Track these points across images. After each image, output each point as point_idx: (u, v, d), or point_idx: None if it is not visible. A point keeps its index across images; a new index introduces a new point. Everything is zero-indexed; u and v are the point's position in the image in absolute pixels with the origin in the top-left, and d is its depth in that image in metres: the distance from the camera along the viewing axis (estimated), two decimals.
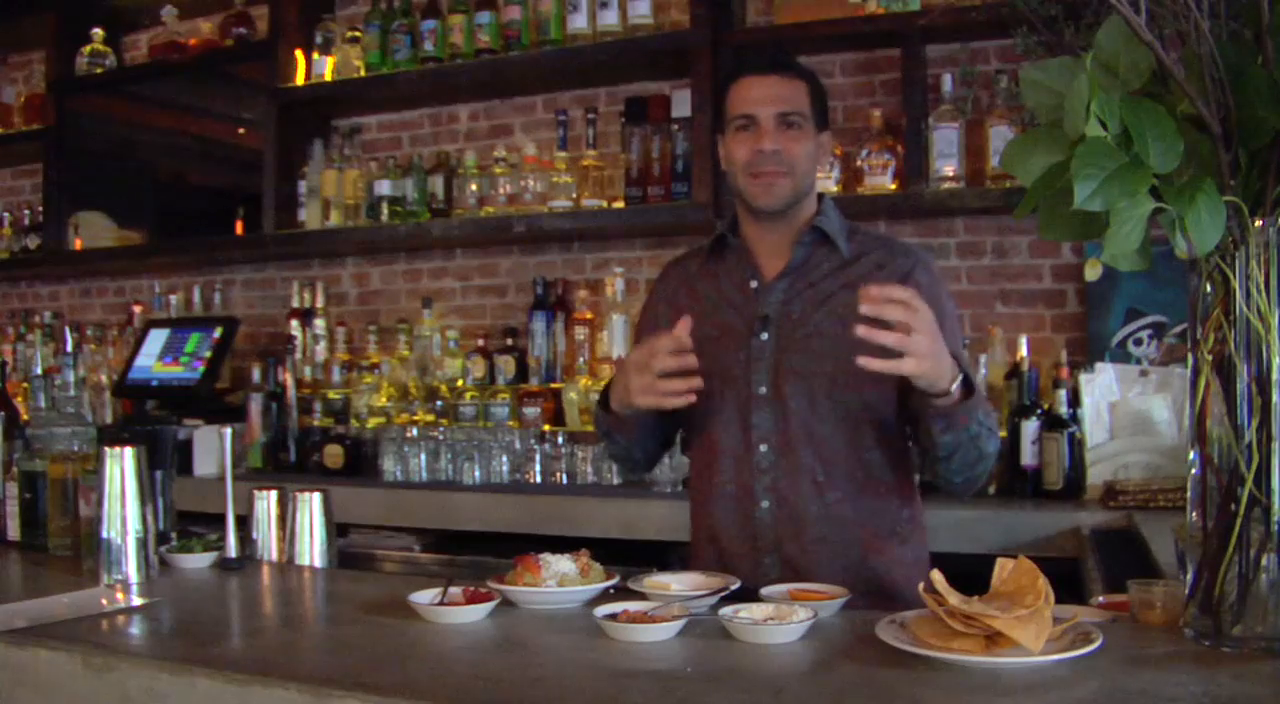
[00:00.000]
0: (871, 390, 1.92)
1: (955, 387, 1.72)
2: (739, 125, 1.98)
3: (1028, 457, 2.87)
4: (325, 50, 3.87)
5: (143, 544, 1.82)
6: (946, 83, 3.12)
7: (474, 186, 3.64)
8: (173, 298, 4.32)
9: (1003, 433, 2.82)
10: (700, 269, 2.11)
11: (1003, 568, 1.36)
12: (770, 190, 1.96)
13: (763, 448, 1.95)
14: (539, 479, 3.37)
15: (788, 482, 1.94)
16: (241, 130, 4.36)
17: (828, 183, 3.17)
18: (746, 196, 2.00)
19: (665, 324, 2.12)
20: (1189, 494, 1.33)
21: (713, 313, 2.04)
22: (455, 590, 1.57)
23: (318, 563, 2.03)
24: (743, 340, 1.98)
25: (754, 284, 2.02)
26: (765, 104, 1.95)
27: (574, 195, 3.48)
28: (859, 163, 3.16)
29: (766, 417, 1.95)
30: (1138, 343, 3.03)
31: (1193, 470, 1.32)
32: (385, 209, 3.75)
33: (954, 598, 1.29)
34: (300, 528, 2.03)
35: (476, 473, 3.38)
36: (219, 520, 1.96)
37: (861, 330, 1.61)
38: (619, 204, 3.44)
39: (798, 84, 1.98)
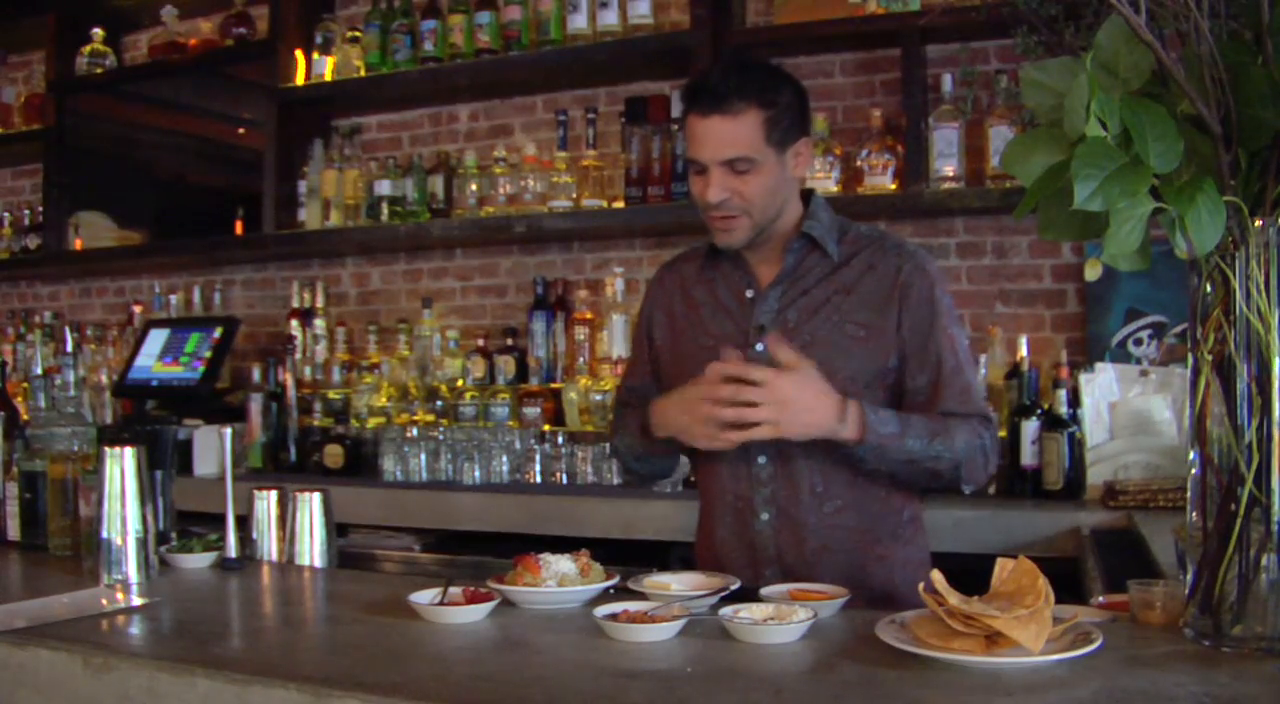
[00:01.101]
0: (872, 394, 1.91)
1: (844, 430, 1.80)
2: (692, 168, 1.92)
3: (1028, 457, 2.86)
4: (325, 50, 3.87)
5: (143, 544, 1.82)
6: (946, 83, 3.12)
7: (474, 186, 3.64)
8: (173, 298, 4.32)
9: (1002, 433, 2.82)
10: (696, 275, 2.08)
11: (1003, 568, 1.36)
12: (728, 234, 1.93)
13: (761, 459, 1.93)
14: (539, 479, 3.37)
15: (787, 493, 1.93)
16: (241, 130, 4.36)
17: (828, 183, 3.17)
18: (710, 234, 1.97)
19: (661, 330, 2.11)
20: (1189, 494, 1.33)
21: (709, 321, 2.02)
22: (455, 590, 1.57)
23: (318, 563, 2.03)
24: (739, 351, 1.94)
25: (750, 293, 1.99)
26: (709, 151, 1.87)
27: (574, 195, 3.48)
28: (859, 163, 3.16)
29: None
30: (1138, 343, 3.03)
31: (1193, 470, 1.32)
32: (385, 209, 3.75)
33: (954, 598, 1.29)
34: (300, 528, 2.03)
35: (476, 473, 3.38)
36: (219, 520, 1.96)
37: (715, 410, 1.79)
38: (619, 204, 3.44)
39: (745, 119, 1.85)
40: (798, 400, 1.77)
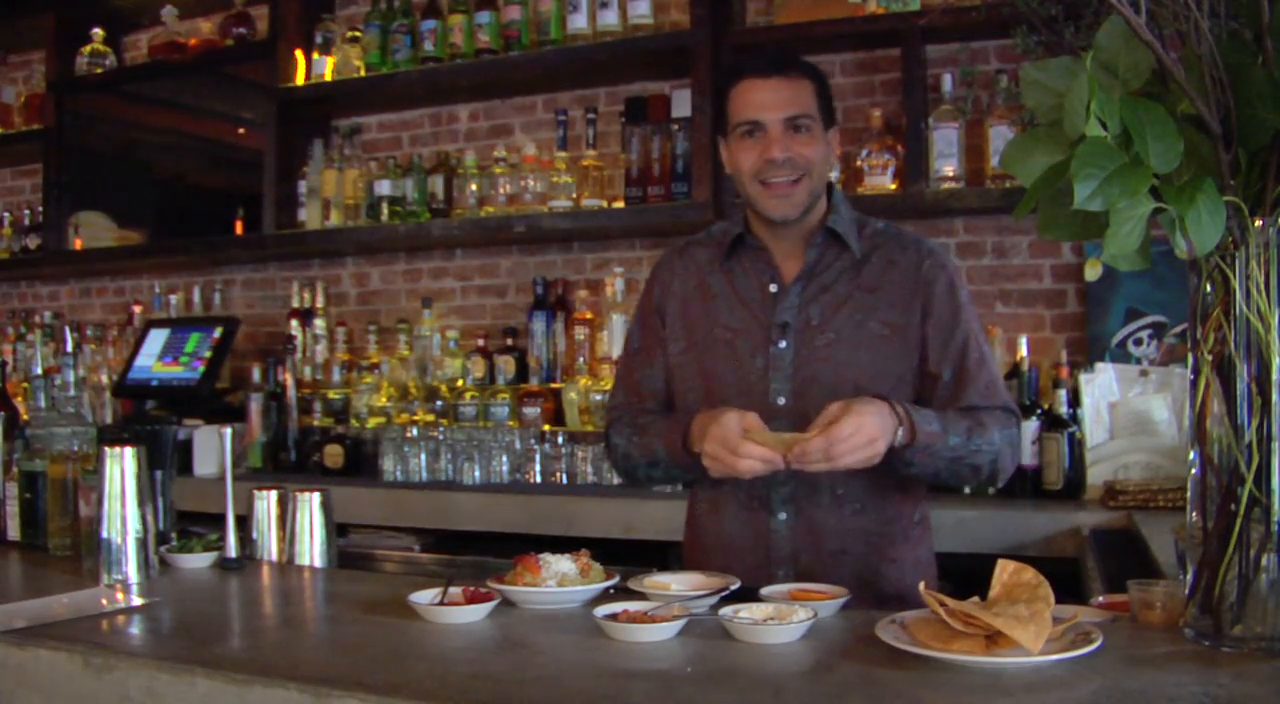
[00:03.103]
0: (895, 394, 1.87)
1: (898, 438, 1.75)
2: (744, 131, 1.89)
3: (1028, 457, 2.86)
4: (325, 50, 3.87)
5: (143, 544, 1.82)
6: (946, 83, 3.12)
7: (474, 186, 3.64)
8: (173, 298, 4.32)
9: None
10: (713, 263, 2.02)
11: (1003, 569, 1.36)
12: (786, 200, 1.89)
13: None
14: (539, 479, 3.37)
15: (806, 494, 1.90)
16: (241, 130, 4.36)
17: None
18: (759, 206, 1.92)
19: (672, 318, 2.04)
20: (1189, 494, 1.33)
21: (727, 313, 1.98)
22: (455, 590, 1.57)
23: (318, 563, 2.03)
24: (760, 347, 1.93)
25: (774, 288, 1.95)
26: (771, 109, 1.87)
27: (574, 195, 3.48)
28: (859, 163, 3.16)
29: (785, 427, 1.87)
30: (1138, 343, 3.03)
31: (1193, 470, 1.32)
32: (385, 209, 3.75)
33: (951, 604, 1.29)
34: (300, 528, 2.03)
35: (476, 473, 3.38)
36: (219, 520, 1.96)
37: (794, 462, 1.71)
38: (619, 204, 3.44)
39: (803, 84, 1.89)
40: (876, 426, 1.69)
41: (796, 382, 1.90)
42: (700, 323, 2.01)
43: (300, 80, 3.90)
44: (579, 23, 3.42)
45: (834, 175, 3.16)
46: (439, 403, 3.64)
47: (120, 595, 1.72)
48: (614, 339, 3.44)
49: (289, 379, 3.80)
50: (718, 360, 1.97)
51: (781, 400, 1.91)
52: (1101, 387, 2.88)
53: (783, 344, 1.92)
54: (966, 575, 1.56)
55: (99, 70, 4.32)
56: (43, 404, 2.36)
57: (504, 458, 3.39)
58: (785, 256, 1.97)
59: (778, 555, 1.92)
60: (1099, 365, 2.93)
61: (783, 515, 1.91)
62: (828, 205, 1.98)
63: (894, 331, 1.90)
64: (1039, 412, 2.89)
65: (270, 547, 2.05)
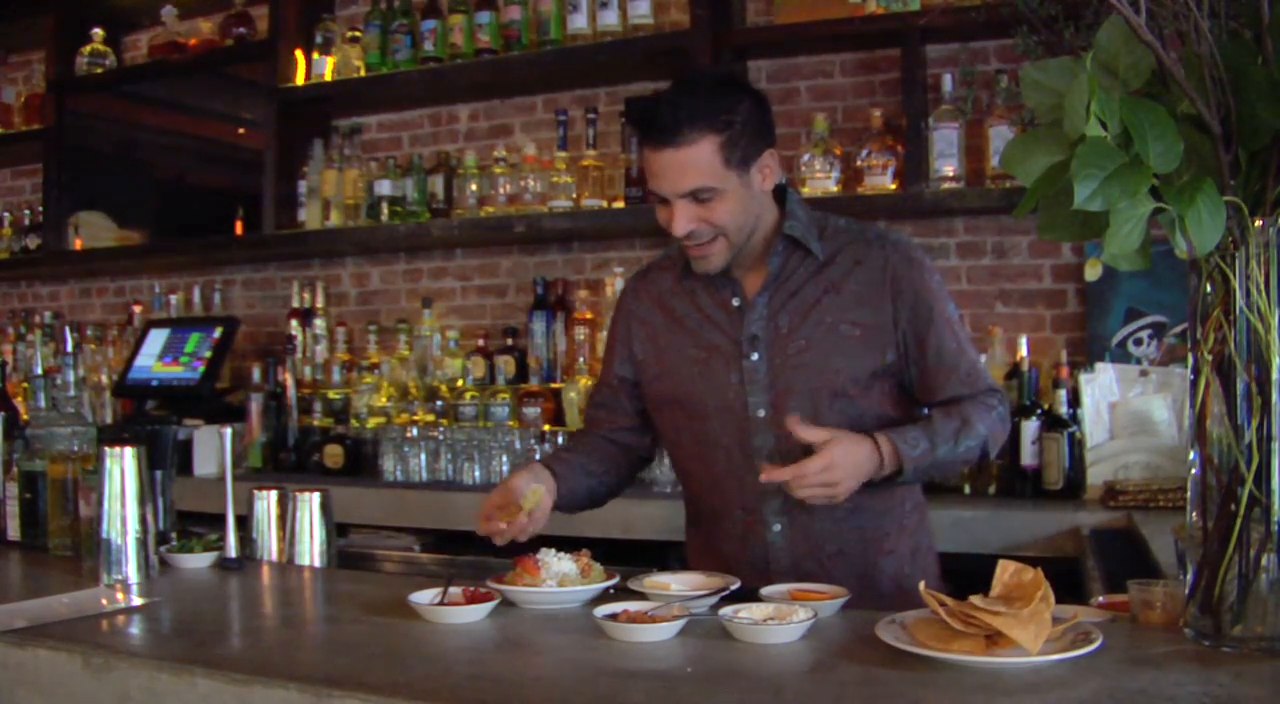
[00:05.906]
0: (874, 391, 1.90)
1: (889, 466, 1.79)
2: (655, 198, 1.85)
3: (1028, 457, 2.86)
4: (325, 50, 3.87)
5: (143, 544, 1.82)
6: (946, 83, 3.12)
7: (474, 186, 3.64)
8: (173, 298, 4.32)
9: None
10: (674, 287, 2.01)
11: (1004, 570, 1.36)
12: (705, 260, 1.87)
13: None
14: None
15: (798, 503, 1.86)
16: (241, 130, 4.36)
17: (828, 183, 3.18)
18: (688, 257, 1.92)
19: (643, 344, 2.05)
20: (1189, 494, 1.33)
21: (696, 334, 1.96)
22: (455, 590, 1.57)
23: (318, 563, 2.03)
24: (733, 362, 1.91)
25: (736, 302, 1.93)
26: (667, 184, 1.80)
27: (574, 195, 3.48)
28: (859, 163, 3.16)
29: (769, 439, 1.89)
30: (1138, 343, 3.03)
31: (1193, 470, 1.32)
32: (385, 209, 3.75)
33: (951, 604, 1.29)
34: (300, 528, 2.03)
35: (476, 473, 3.38)
36: (219, 520, 1.96)
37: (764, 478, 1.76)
38: (619, 204, 3.44)
39: (700, 148, 1.76)
40: (846, 470, 1.75)
41: (773, 392, 1.89)
42: (670, 348, 2.00)
43: (300, 80, 3.90)
44: (579, 23, 3.42)
45: (832, 182, 3.16)
46: (439, 403, 3.63)
47: (120, 595, 1.72)
48: None
49: (289, 379, 3.80)
50: (694, 382, 1.95)
51: (761, 412, 1.90)
52: (1101, 387, 2.88)
53: (755, 356, 1.90)
54: (966, 575, 1.56)
55: (99, 70, 4.32)
56: (43, 404, 2.36)
57: (504, 458, 3.38)
58: (745, 270, 1.94)
59: (778, 567, 1.91)
60: (1099, 365, 2.93)
61: (777, 527, 1.91)
62: (781, 212, 1.94)
63: (865, 331, 1.88)
64: (1039, 412, 2.89)
65: (270, 547, 2.05)
